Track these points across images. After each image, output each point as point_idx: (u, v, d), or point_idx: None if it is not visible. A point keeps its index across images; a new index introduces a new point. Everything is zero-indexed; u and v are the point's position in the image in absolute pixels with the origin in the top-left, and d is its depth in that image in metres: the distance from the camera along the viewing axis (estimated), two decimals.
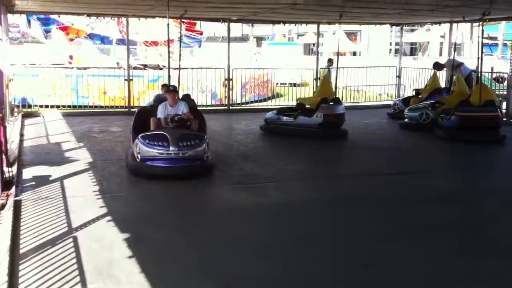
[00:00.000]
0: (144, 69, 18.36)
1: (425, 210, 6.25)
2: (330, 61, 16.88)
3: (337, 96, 11.61)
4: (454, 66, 13.23)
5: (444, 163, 9.28)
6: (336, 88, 11.70)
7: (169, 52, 10.48)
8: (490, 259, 4.76)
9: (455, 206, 6.46)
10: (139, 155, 7.43)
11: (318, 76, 16.10)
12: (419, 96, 13.27)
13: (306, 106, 11.35)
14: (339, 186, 7.36)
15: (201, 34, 23.91)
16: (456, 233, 5.46)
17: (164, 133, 7.46)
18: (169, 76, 9.72)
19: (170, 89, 8.21)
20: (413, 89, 14.40)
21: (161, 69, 19.25)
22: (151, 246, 4.96)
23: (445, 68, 14.35)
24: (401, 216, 6.00)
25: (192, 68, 16.26)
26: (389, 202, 6.55)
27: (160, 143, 7.33)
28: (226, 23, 15.10)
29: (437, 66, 14.37)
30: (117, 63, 19.78)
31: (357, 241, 5.19)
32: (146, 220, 5.75)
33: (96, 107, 15.22)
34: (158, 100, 9.95)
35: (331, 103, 10.97)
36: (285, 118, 11.21)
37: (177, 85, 8.63)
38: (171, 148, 7.30)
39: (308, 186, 7.34)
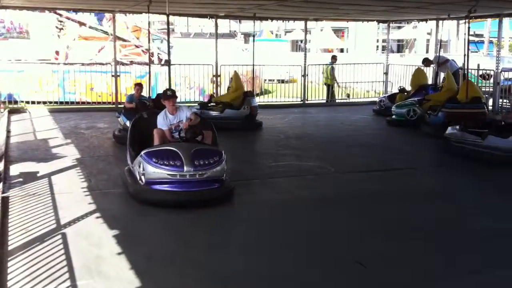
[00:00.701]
0: (131, 65, 18.24)
1: (412, 206, 6.30)
2: (334, 57, 16.93)
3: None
4: (440, 63, 13.34)
5: (431, 160, 9.35)
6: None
7: (149, 48, 10.82)
8: (471, 255, 4.83)
9: (441, 202, 6.53)
10: (143, 177, 6.06)
11: (306, 72, 16.13)
12: (405, 93, 13.35)
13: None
14: (326, 184, 7.40)
15: None
16: (442, 229, 5.52)
17: (175, 149, 6.08)
18: (149, 73, 10.13)
19: (168, 94, 6.83)
20: (398, 86, 14.49)
21: (147, 64, 19.12)
22: (141, 243, 4.96)
23: (432, 65, 14.45)
24: (387, 212, 6.04)
25: (179, 64, 16.19)
26: (377, 198, 6.59)
27: (171, 162, 5.93)
28: (214, 19, 15.08)
29: (426, 61, 14.54)
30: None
31: (343, 238, 5.23)
32: (135, 216, 5.75)
33: (83, 103, 15.12)
34: (130, 101, 10.07)
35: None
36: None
37: (169, 82, 7.76)
38: (185, 168, 5.90)
39: (296, 184, 7.33)
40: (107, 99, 15.06)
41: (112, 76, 14.26)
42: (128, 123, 8.51)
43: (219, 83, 15.14)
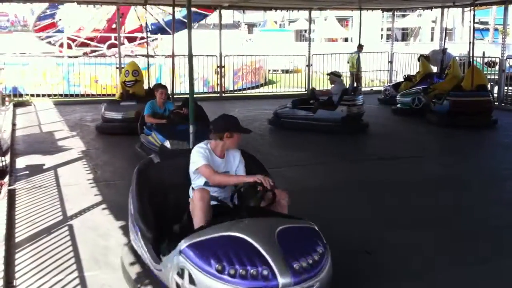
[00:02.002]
0: (135, 57, 18.22)
1: (422, 194, 6.30)
2: (360, 46, 16.82)
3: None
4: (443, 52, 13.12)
5: (437, 148, 9.33)
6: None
7: (147, 37, 10.92)
8: (483, 243, 4.82)
9: (450, 190, 6.52)
10: None
11: (310, 62, 16.06)
12: (411, 81, 13.27)
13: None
14: (335, 171, 7.40)
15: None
16: (452, 217, 5.51)
17: (249, 239, 3.15)
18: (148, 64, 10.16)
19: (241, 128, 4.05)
20: (404, 75, 14.38)
21: (153, 56, 19.12)
22: None
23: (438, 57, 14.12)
24: (398, 200, 6.04)
25: (183, 56, 16.16)
26: (384, 186, 6.59)
27: (250, 269, 3.00)
28: (218, 10, 15.03)
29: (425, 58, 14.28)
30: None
31: (354, 225, 5.23)
32: None
33: (87, 95, 15.14)
34: (153, 112, 7.87)
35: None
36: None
37: (172, 73, 7.56)
38: (281, 281, 2.97)
39: (307, 173, 7.32)
40: (112, 91, 15.05)
41: (117, 68, 14.26)
42: (167, 143, 7.09)
43: (223, 74, 15.11)
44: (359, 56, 16.42)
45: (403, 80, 13.75)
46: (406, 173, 7.35)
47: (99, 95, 15.12)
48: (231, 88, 17.00)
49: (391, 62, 17.17)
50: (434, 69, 14.18)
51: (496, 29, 35.89)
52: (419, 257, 4.46)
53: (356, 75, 16.88)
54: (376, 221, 5.36)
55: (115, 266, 4.19)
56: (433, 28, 37.62)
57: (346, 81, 17.54)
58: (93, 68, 15.26)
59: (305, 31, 33.43)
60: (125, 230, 4.90)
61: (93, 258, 4.33)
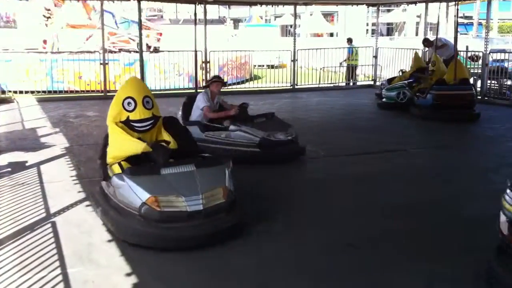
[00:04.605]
0: (120, 53, 18.11)
1: (404, 186, 6.35)
2: (350, 40, 17.01)
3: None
4: (438, 46, 13.14)
5: (420, 141, 9.39)
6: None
7: (141, 35, 10.43)
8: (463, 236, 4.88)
9: (432, 182, 6.59)
10: None
11: (296, 57, 16.07)
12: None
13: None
14: (321, 165, 7.43)
15: None
16: (432, 208, 5.56)
17: None
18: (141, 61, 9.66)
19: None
20: (399, 70, 14.24)
21: (137, 52, 18.99)
22: None
23: (430, 48, 14.09)
24: (383, 193, 6.09)
25: (168, 51, 16.12)
26: (366, 179, 6.63)
27: None
28: (202, 5, 14.97)
29: (426, 41, 14.11)
30: None
31: (337, 218, 5.26)
32: None
33: (71, 92, 15.01)
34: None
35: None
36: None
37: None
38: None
39: (290, 168, 7.32)
40: (96, 87, 14.95)
41: (101, 64, 14.16)
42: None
43: (208, 69, 15.08)
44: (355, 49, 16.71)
45: (399, 74, 13.61)
46: (388, 166, 7.40)
47: (83, 91, 15.00)
48: None
49: (375, 57, 17.24)
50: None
51: (480, 24, 36.18)
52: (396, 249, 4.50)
53: (354, 68, 17.20)
54: (363, 213, 5.41)
55: (99, 263, 4.18)
56: (417, 23, 37.84)
57: (342, 75, 17.74)
58: (77, 64, 15.13)
59: (291, 26, 33.41)
60: (108, 226, 4.88)
61: (76, 255, 4.31)
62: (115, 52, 18.29)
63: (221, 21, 33.54)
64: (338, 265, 4.22)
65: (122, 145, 4.96)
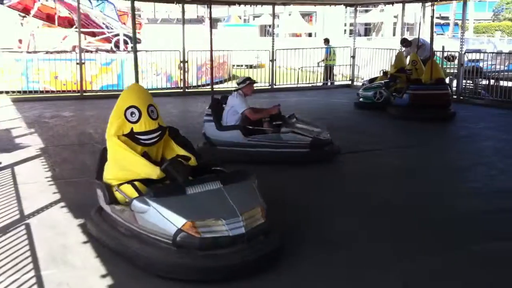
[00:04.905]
0: (97, 52, 17.95)
1: (382, 186, 6.40)
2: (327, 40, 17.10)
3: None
4: (418, 46, 13.17)
5: (396, 140, 9.47)
6: None
7: (134, 33, 10.20)
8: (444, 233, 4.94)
9: (408, 180, 6.66)
10: None
11: (274, 57, 16.09)
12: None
13: None
14: (296, 168, 7.44)
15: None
16: (408, 206, 5.62)
17: None
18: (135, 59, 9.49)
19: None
20: (380, 70, 14.30)
21: (114, 52, 18.86)
22: None
23: (409, 47, 14.20)
24: (356, 189, 6.13)
25: (146, 51, 16.02)
26: (345, 178, 6.67)
27: None
28: (181, 4, 14.91)
29: (404, 42, 14.13)
30: None
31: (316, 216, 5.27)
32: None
33: (47, 92, 14.80)
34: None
35: None
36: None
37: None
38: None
39: (268, 170, 7.31)
40: (72, 87, 14.77)
41: (77, 63, 13.98)
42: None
43: (186, 69, 15.02)
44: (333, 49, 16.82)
45: (380, 74, 13.60)
46: (365, 165, 7.45)
47: (59, 91, 14.81)
48: (194, 84, 16.91)
49: (353, 57, 17.35)
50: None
51: (456, 24, 36.76)
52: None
53: (332, 68, 17.29)
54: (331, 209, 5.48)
55: (74, 264, 4.13)
56: (395, 23, 38.22)
57: (321, 75, 17.80)
58: (53, 64, 14.94)
59: (270, 26, 33.47)
60: (84, 228, 4.83)
61: (50, 257, 4.24)
62: (92, 51, 18.12)
63: (199, 20, 33.41)
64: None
65: (131, 166, 4.34)
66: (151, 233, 3.96)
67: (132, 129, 4.39)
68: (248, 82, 7.47)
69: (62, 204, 5.51)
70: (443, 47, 15.24)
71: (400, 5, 16.49)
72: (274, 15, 17.60)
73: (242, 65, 22.49)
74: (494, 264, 4.25)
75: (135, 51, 5.39)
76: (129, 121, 4.39)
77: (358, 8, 18.06)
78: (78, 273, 4.01)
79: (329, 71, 17.53)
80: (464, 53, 14.01)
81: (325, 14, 38.44)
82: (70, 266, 4.11)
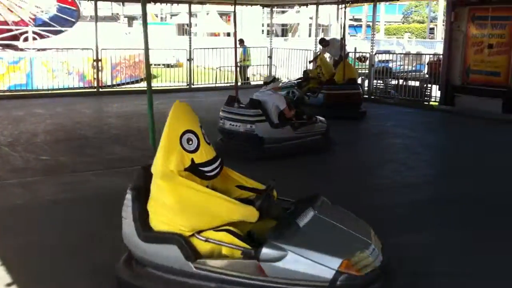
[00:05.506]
0: (4, 50, 17.05)
1: (299, 184, 6.50)
2: (241, 41, 17.01)
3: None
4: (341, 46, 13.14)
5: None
6: None
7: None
8: None
9: (323, 179, 6.84)
10: None
11: (192, 56, 15.98)
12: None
13: None
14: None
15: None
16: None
17: None
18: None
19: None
20: (303, 70, 14.34)
21: (22, 50, 17.96)
22: (16, 236, 4.70)
23: (327, 47, 14.39)
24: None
25: (57, 49, 15.42)
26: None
27: None
28: (93, 1, 14.49)
29: (323, 42, 14.19)
30: None
31: None
32: (14, 211, 5.42)
33: None
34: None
35: None
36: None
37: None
38: None
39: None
40: None
41: None
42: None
43: (100, 68, 14.59)
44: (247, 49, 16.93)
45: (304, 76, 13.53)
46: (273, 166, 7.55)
47: None
48: (109, 83, 16.44)
49: (270, 57, 17.61)
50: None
51: (368, 26, 38.17)
52: None
53: (246, 68, 17.39)
54: None
55: None
56: (310, 25, 39.16)
57: (237, 75, 17.77)
58: None
59: (187, 25, 33.22)
60: None
61: None
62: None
63: (114, 18, 32.63)
64: None
65: (217, 208, 3.38)
66: (290, 283, 3.22)
67: (192, 160, 3.47)
68: (277, 80, 8.54)
69: None
70: (355, 48, 15.80)
71: (315, 6, 16.91)
72: (190, 14, 17.49)
73: (159, 64, 22.16)
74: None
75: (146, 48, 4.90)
76: (187, 150, 3.46)
77: (274, 9, 18.35)
78: None
79: (243, 71, 17.52)
80: (375, 54, 14.59)
81: (243, 14, 38.74)
82: None
